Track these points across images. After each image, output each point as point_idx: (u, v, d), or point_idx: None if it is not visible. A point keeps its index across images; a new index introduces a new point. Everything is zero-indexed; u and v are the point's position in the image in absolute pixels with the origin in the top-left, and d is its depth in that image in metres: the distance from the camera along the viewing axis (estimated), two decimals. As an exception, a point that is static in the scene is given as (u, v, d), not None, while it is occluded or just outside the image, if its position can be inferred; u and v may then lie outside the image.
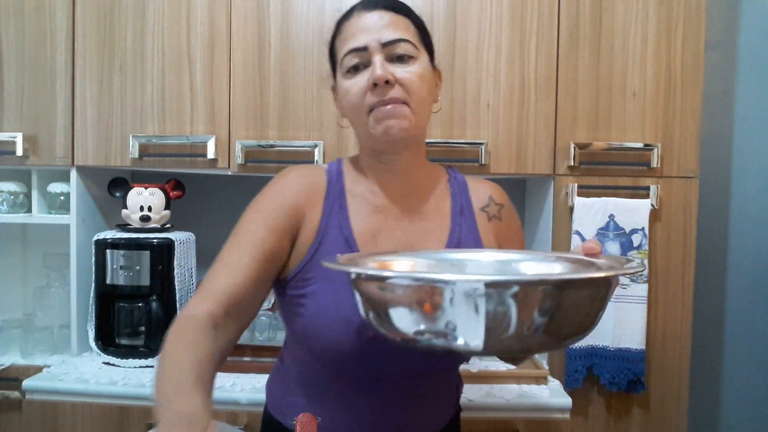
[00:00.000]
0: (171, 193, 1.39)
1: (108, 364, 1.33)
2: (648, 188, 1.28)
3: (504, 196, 0.91)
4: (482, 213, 0.87)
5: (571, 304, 0.55)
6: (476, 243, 0.84)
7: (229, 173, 1.35)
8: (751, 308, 1.59)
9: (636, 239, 1.28)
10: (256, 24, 1.31)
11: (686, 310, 1.31)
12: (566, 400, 1.18)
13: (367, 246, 0.79)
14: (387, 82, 0.74)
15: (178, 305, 1.34)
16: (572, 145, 1.28)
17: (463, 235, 0.84)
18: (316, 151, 1.30)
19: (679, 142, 1.29)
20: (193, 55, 1.32)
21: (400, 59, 0.77)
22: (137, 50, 1.33)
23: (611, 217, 1.28)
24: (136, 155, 1.31)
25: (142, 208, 1.34)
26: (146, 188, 1.36)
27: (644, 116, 1.29)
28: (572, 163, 1.29)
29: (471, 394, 1.19)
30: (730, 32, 1.56)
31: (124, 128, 1.33)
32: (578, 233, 1.28)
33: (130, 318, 1.35)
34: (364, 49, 0.76)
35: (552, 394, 1.21)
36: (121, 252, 1.33)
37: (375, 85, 0.75)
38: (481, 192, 0.89)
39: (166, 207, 1.38)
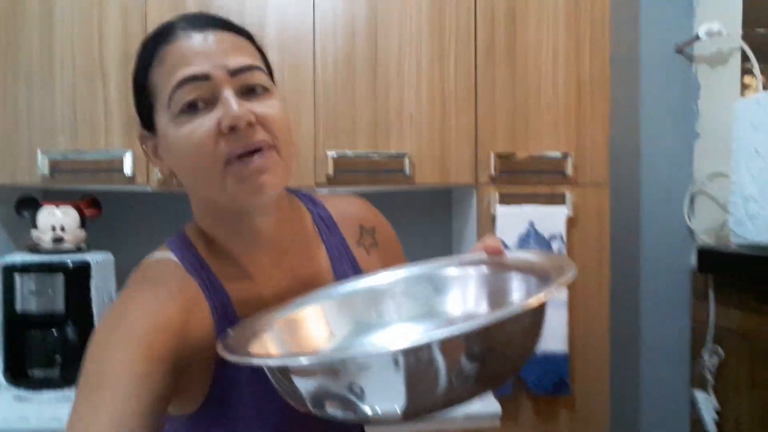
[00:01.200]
0: (86, 212, 1.32)
1: (19, 398, 1.25)
2: (564, 195, 1.35)
3: (372, 214, 0.81)
4: (359, 248, 0.76)
5: (507, 339, 0.47)
6: None
7: (149, 190, 1.30)
8: (664, 307, 1.69)
9: (555, 245, 1.33)
10: (174, 37, 1.29)
11: (603, 312, 1.37)
12: (495, 407, 1.21)
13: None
14: (249, 123, 0.57)
15: (95, 330, 1.28)
16: (492, 155, 1.33)
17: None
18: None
19: (590, 150, 1.37)
20: (106, 66, 1.27)
21: (252, 92, 0.60)
22: (44, 59, 1.26)
23: (531, 224, 1.33)
24: (46, 172, 1.24)
25: (54, 228, 1.27)
26: (58, 207, 1.29)
27: (558, 126, 1.36)
28: (493, 173, 1.33)
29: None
30: (633, 45, 1.67)
31: (32, 143, 1.26)
32: (501, 242, 1.32)
33: (43, 347, 1.27)
34: (204, 77, 0.58)
35: (481, 402, 1.23)
36: (32, 276, 1.25)
37: (231, 128, 0.57)
38: (349, 223, 0.77)
39: (81, 226, 1.31)
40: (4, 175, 1.26)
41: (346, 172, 1.30)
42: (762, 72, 1.49)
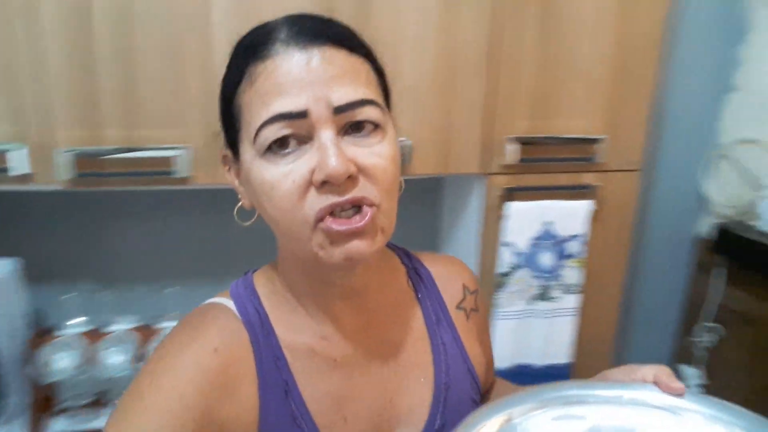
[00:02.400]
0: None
1: None
2: (587, 187, 1.10)
3: (473, 276, 0.71)
4: (459, 312, 0.66)
5: None
6: (464, 360, 0.64)
7: (53, 189, 0.97)
8: (661, 276, 1.56)
9: (573, 246, 1.12)
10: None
11: (611, 318, 1.21)
12: None
13: (334, 427, 0.55)
14: (350, 177, 0.47)
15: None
16: (506, 140, 1.05)
17: (449, 356, 0.63)
18: (179, 159, 0.95)
19: (626, 131, 1.10)
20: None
21: (359, 129, 0.49)
22: None
23: (548, 224, 1.10)
24: None
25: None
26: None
27: (592, 102, 1.07)
28: (508, 161, 1.06)
29: None
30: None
31: None
32: (508, 245, 1.09)
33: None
34: (301, 115, 0.46)
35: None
36: None
37: (326, 183, 0.47)
38: (450, 283, 0.67)
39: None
40: None
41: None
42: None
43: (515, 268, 1.10)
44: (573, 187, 1.10)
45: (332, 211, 0.48)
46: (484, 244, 1.11)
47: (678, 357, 1.60)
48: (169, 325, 1.06)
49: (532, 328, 1.13)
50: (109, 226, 1.20)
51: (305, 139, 0.48)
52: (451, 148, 1.05)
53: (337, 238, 0.48)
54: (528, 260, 1.10)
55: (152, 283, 1.20)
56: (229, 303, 0.57)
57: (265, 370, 0.54)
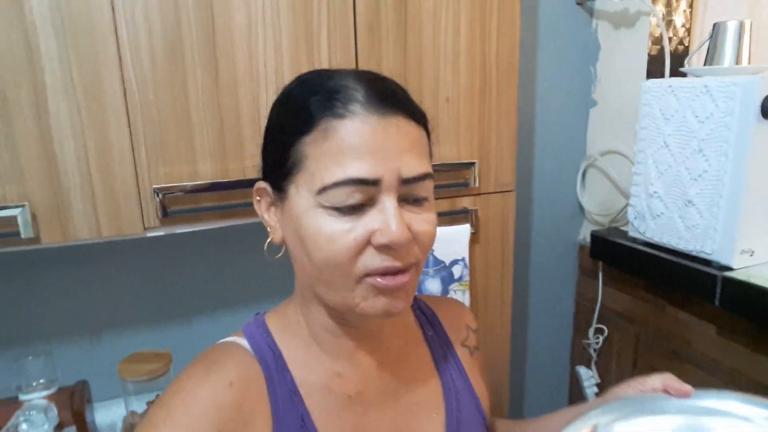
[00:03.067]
0: None
1: None
2: (465, 211, 1.12)
3: (473, 315, 0.77)
4: (464, 350, 0.70)
5: None
6: (472, 397, 0.66)
7: None
8: (551, 281, 1.62)
9: (457, 271, 1.13)
10: None
11: (505, 326, 1.24)
12: None
13: None
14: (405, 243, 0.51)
15: None
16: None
17: (459, 393, 0.65)
18: (19, 218, 0.85)
19: (497, 153, 1.13)
20: None
21: (417, 201, 0.53)
22: None
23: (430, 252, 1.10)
24: None
25: None
26: None
27: (460, 125, 1.09)
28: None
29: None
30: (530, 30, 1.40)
31: None
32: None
33: None
34: (375, 182, 0.49)
35: None
36: None
37: (385, 247, 0.50)
38: (456, 322, 0.71)
39: None
40: None
41: (184, 212, 0.93)
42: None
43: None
44: (451, 213, 1.11)
45: (383, 275, 0.51)
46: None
47: (575, 359, 1.66)
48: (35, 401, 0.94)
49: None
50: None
51: (369, 201, 0.51)
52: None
53: (382, 292, 0.52)
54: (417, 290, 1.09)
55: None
56: (243, 341, 0.59)
57: (280, 406, 0.55)
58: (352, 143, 0.49)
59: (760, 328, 1.08)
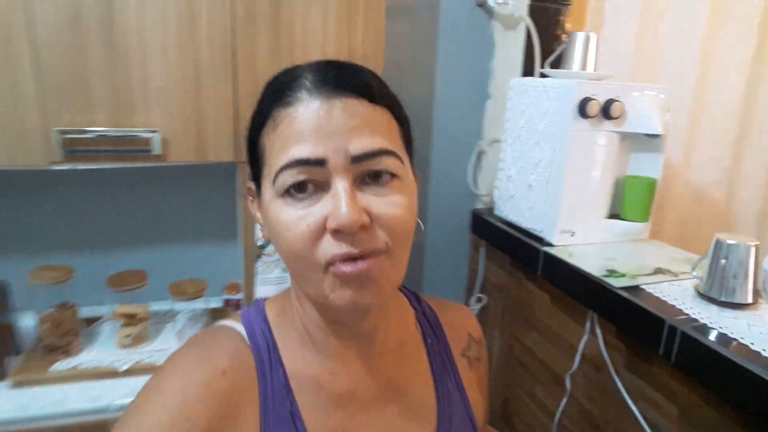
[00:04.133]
0: None
1: None
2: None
3: (479, 325, 0.74)
4: (463, 359, 0.68)
5: None
6: (465, 408, 0.65)
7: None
8: (445, 255, 1.81)
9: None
10: None
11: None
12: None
13: None
14: (362, 226, 0.49)
15: None
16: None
17: (453, 403, 0.64)
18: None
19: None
20: None
21: (376, 178, 0.51)
22: None
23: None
24: None
25: None
26: None
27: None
28: (254, 152, 1.27)
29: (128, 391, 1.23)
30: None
31: None
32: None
33: None
34: (318, 163, 0.49)
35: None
36: None
37: (338, 231, 0.49)
38: (457, 329, 0.69)
39: None
40: None
41: (83, 151, 1.17)
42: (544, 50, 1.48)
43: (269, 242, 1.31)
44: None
45: (345, 261, 0.49)
46: (245, 221, 1.32)
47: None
48: None
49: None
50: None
51: (323, 185, 0.49)
52: (205, 139, 1.24)
53: (348, 282, 0.49)
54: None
55: None
56: (240, 327, 0.58)
57: (270, 399, 0.54)
58: (297, 128, 0.49)
59: (570, 297, 1.25)
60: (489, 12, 1.60)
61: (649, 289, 1.05)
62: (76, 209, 1.46)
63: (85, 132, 1.15)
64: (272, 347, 0.57)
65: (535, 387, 1.44)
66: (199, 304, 1.45)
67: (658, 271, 1.14)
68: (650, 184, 1.29)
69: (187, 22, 1.17)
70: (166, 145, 1.21)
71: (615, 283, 1.06)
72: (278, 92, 0.52)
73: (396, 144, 0.53)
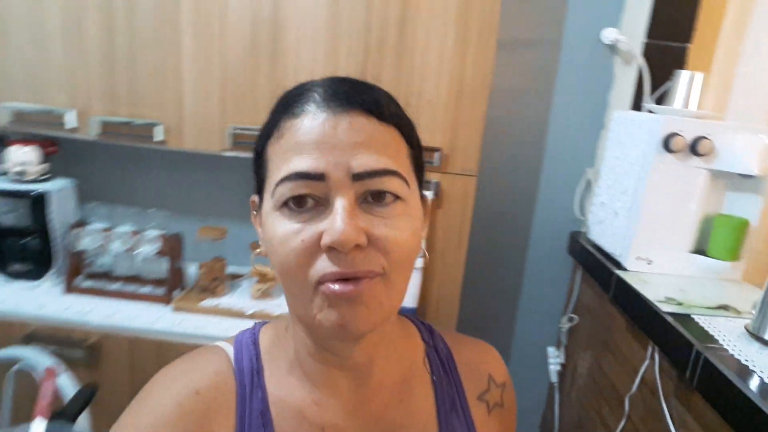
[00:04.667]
0: (46, 150, 1.66)
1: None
2: (429, 182, 1.54)
3: (504, 368, 0.67)
4: (480, 403, 0.62)
5: None
6: None
7: (90, 138, 1.60)
8: (548, 274, 1.91)
9: (416, 223, 1.56)
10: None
11: (457, 277, 1.63)
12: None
13: None
14: (357, 246, 0.47)
15: (55, 243, 1.68)
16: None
17: None
18: (155, 129, 1.55)
19: (463, 144, 1.53)
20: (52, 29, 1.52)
21: (379, 199, 0.49)
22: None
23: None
24: (8, 120, 1.57)
25: (19, 164, 1.62)
26: (24, 145, 1.62)
27: (435, 122, 1.52)
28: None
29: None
30: (558, 24, 1.71)
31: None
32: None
33: (18, 249, 1.68)
34: (318, 177, 0.48)
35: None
36: (6, 199, 1.63)
37: (332, 249, 0.47)
38: (476, 369, 0.64)
39: (44, 161, 1.66)
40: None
41: (246, 143, 1.54)
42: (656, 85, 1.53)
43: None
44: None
45: (336, 281, 0.47)
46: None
47: (549, 341, 1.94)
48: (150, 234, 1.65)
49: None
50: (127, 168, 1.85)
51: (323, 201, 0.48)
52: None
53: (334, 302, 0.47)
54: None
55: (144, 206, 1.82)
56: (230, 349, 0.57)
57: (246, 425, 0.52)
58: (301, 140, 0.48)
59: (636, 323, 1.31)
60: (611, 47, 1.69)
61: (699, 320, 1.09)
62: (236, 187, 1.87)
63: (249, 129, 1.52)
64: (257, 371, 0.55)
65: (603, 407, 1.49)
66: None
67: (723, 307, 1.16)
68: (741, 224, 1.29)
69: (330, 48, 1.48)
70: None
71: (665, 308, 1.12)
72: (288, 104, 0.51)
73: (403, 165, 0.51)
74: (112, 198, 1.83)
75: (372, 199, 0.49)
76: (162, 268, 1.65)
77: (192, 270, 1.77)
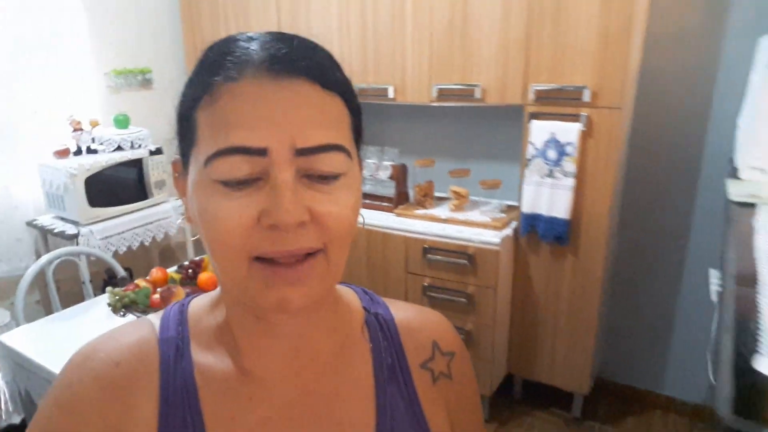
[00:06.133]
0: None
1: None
2: (578, 115, 1.95)
3: (453, 335, 0.64)
4: (424, 371, 0.60)
5: None
6: (418, 427, 0.57)
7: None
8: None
9: (568, 149, 1.98)
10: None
11: (606, 197, 1.98)
12: (497, 240, 2.08)
13: None
14: (300, 223, 0.45)
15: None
16: (531, 87, 2.01)
17: (396, 420, 0.56)
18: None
19: (608, 83, 1.89)
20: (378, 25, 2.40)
21: (323, 178, 0.47)
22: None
23: (553, 134, 2.00)
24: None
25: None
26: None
27: (585, 65, 1.91)
28: (532, 98, 2.02)
29: (444, 231, 2.17)
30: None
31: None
32: (531, 143, 2.05)
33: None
34: (260, 152, 0.45)
35: (494, 236, 2.10)
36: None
37: (274, 227, 0.45)
38: (418, 335, 0.61)
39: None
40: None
41: (446, 96, 2.19)
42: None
43: (534, 156, 2.05)
44: (569, 115, 1.97)
45: (275, 259, 0.46)
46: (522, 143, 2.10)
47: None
48: (385, 164, 2.43)
49: (542, 193, 2.05)
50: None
51: (262, 175, 0.45)
52: (506, 89, 2.08)
53: (275, 281, 0.46)
54: (541, 153, 2.03)
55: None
56: (157, 321, 0.56)
57: (170, 395, 0.52)
58: (239, 108, 0.45)
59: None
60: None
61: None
62: (439, 130, 2.55)
63: (447, 86, 2.16)
64: (183, 341, 0.54)
65: None
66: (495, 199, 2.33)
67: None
68: None
69: (504, 10, 2.02)
70: (484, 93, 2.11)
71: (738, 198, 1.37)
72: (220, 63, 0.47)
73: (345, 137, 0.49)
74: (363, 140, 2.71)
75: (316, 178, 0.47)
76: (392, 189, 2.42)
77: (411, 191, 2.50)
